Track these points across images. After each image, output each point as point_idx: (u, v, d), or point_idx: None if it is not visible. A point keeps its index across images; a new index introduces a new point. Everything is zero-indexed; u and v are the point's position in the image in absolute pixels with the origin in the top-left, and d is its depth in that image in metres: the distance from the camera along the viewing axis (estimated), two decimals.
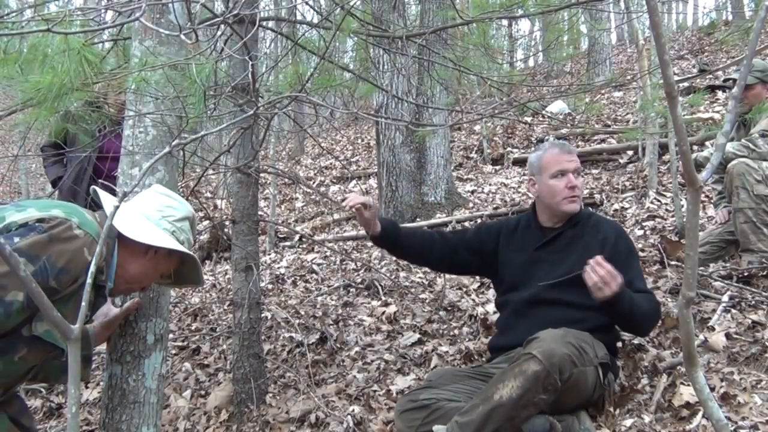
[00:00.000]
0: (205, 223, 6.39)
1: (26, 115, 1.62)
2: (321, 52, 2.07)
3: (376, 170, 6.75)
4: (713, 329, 2.43)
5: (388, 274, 4.04)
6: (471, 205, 6.13)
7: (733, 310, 2.58)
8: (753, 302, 2.61)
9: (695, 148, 5.27)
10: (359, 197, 2.14)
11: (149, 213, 1.62)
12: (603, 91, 8.87)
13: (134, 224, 1.57)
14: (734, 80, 3.47)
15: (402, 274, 4.17)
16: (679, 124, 1.19)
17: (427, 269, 4.22)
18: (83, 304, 1.04)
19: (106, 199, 1.63)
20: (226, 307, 3.98)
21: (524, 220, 2.37)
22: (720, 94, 7.06)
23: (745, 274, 2.92)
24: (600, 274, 1.89)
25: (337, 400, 2.60)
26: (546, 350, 1.78)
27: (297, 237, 5.93)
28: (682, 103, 2.89)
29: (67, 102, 1.46)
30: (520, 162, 7.30)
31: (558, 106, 8.51)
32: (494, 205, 5.88)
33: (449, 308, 3.39)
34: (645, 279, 2.20)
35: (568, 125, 7.05)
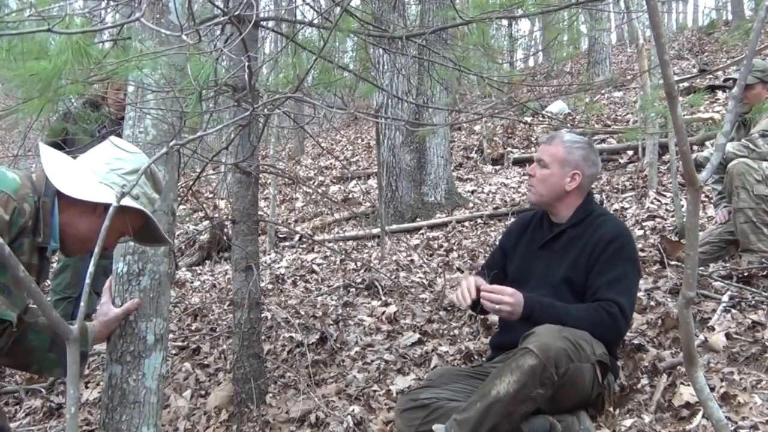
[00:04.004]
0: (205, 223, 6.39)
1: (24, 106, 1.60)
2: (319, 51, 2.07)
3: (376, 170, 6.75)
4: (713, 329, 2.43)
5: (388, 274, 4.03)
6: (471, 205, 6.13)
7: (733, 310, 2.57)
8: (753, 302, 2.60)
9: (695, 148, 5.27)
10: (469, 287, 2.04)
11: (96, 167, 1.54)
12: (603, 91, 8.87)
13: (76, 180, 1.49)
14: (734, 80, 3.47)
15: (402, 274, 4.17)
16: (679, 124, 1.19)
17: (426, 270, 4.22)
18: (82, 305, 1.04)
19: (46, 154, 1.54)
20: (226, 307, 3.97)
21: (539, 215, 2.34)
22: (720, 94, 7.06)
23: (745, 274, 2.91)
24: (491, 299, 1.96)
25: (337, 400, 2.60)
26: (542, 344, 1.78)
27: (297, 237, 5.93)
28: (682, 103, 2.89)
29: (65, 92, 1.45)
30: (520, 162, 7.30)
31: (558, 106, 8.51)
32: (494, 205, 5.88)
33: (449, 308, 3.39)
34: (624, 288, 2.02)
35: (568, 125, 7.05)
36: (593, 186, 2.40)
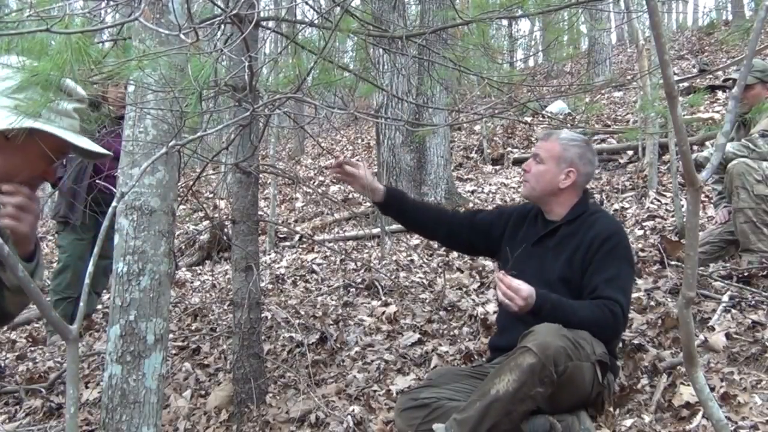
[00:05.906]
0: (205, 223, 6.39)
1: (26, 106, 1.57)
2: (320, 52, 2.07)
3: (376, 170, 6.75)
4: (713, 329, 2.43)
5: (388, 274, 4.03)
6: (471, 205, 6.13)
7: (733, 310, 2.58)
8: (753, 302, 2.61)
9: (695, 148, 5.27)
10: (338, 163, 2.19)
11: None
12: (603, 91, 8.87)
13: None
14: (734, 80, 3.47)
15: (402, 274, 4.17)
16: (679, 124, 1.19)
17: (427, 270, 4.22)
18: (81, 304, 1.03)
19: None
20: (226, 307, 3.98)
21: (535, 210, 2.32)
22: (720, 94, 7.06)
23: (745, 274, 2.92)
24: (503, 290, 1.90)
25: (337, 400, 2.60)
26: (541, 343, 1.78)
27: (297, 237, 5.93)
28: (682, 103, 2.89)
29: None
30: (520, 162, 7.30)
31: (558, 106, 8.51)
32: (494, 205, 5.89)
33: (449, 308, 3.39)
34: (622, 286, 2.01)
35: (568, 125, 7.04)
36: (592, 186, 2.40)
